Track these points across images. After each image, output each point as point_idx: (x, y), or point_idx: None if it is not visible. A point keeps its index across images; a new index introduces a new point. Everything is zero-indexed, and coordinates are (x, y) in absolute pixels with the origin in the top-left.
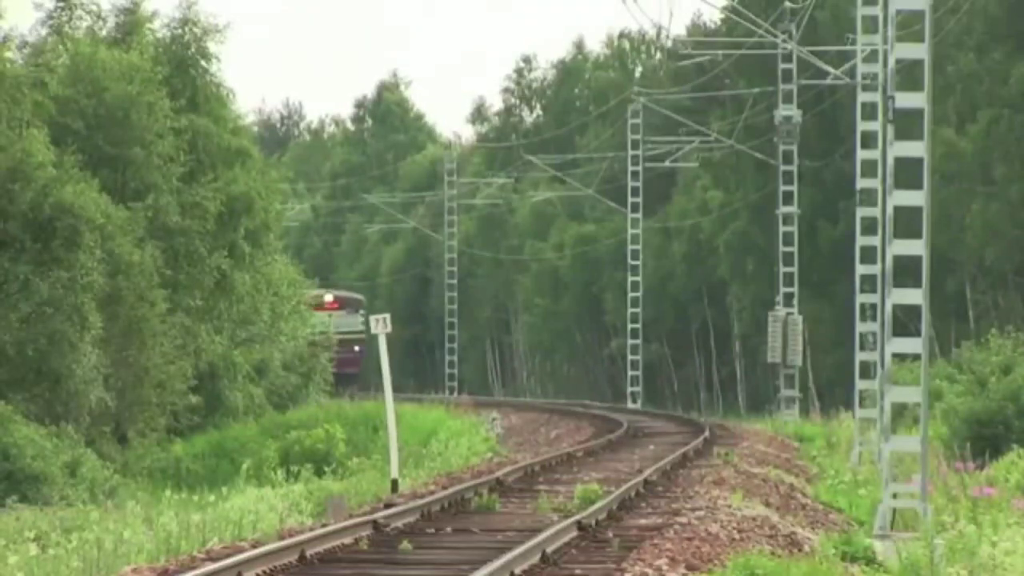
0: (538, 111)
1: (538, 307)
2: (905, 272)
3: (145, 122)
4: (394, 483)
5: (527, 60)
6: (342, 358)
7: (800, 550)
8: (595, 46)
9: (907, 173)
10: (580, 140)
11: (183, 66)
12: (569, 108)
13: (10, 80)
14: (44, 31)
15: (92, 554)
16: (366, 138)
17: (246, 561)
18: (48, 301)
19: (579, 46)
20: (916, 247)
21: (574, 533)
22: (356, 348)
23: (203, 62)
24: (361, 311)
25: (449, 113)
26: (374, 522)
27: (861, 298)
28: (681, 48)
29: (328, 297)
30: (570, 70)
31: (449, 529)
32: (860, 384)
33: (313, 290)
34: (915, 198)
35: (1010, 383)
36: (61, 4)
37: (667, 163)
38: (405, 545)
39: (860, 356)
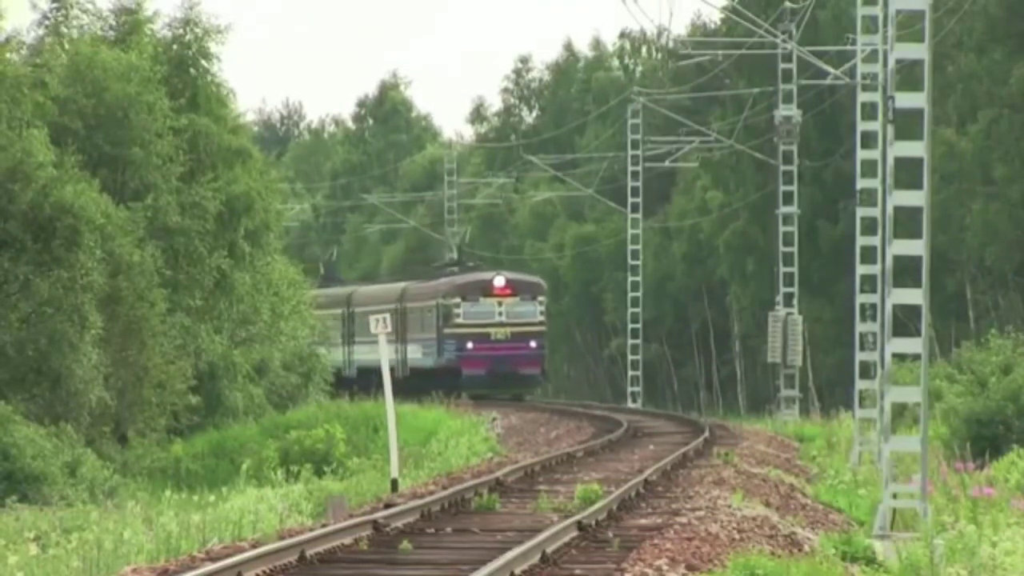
0: (537, 111)
1: None
2: (905, 272)
3: (145, 122)
4: (394, 483)
5: (523, 60)
6: (515, 355)
7: (800, 550)
8: (594, 46)
9: (907, 173)
10: (579, 140)
11: (183, 66)
12: (567, 109)
13: (10, 80)
14: (41, 31)
15: (92, 554)
16: (366, 138)
17: (246, 561)
18: (48, 301)
19: (568, 47)
20: (916, 247)
21: (574, 533)
22: (532, 343)
23: (203, 62)
24: (540, 298)
25: (449, 113)
26: (374, 522)
27: (861, 298)
28: (681, 48)
29: (499, 281)
30: (564, 71)
31: (449, 529)
32: (860, 384)
33: (480, 272)
34: (915, 198)
35: (1010, 383)
36: (56, 4)
37: (667, 163)
38: (405, 545)
39: (860, 356)
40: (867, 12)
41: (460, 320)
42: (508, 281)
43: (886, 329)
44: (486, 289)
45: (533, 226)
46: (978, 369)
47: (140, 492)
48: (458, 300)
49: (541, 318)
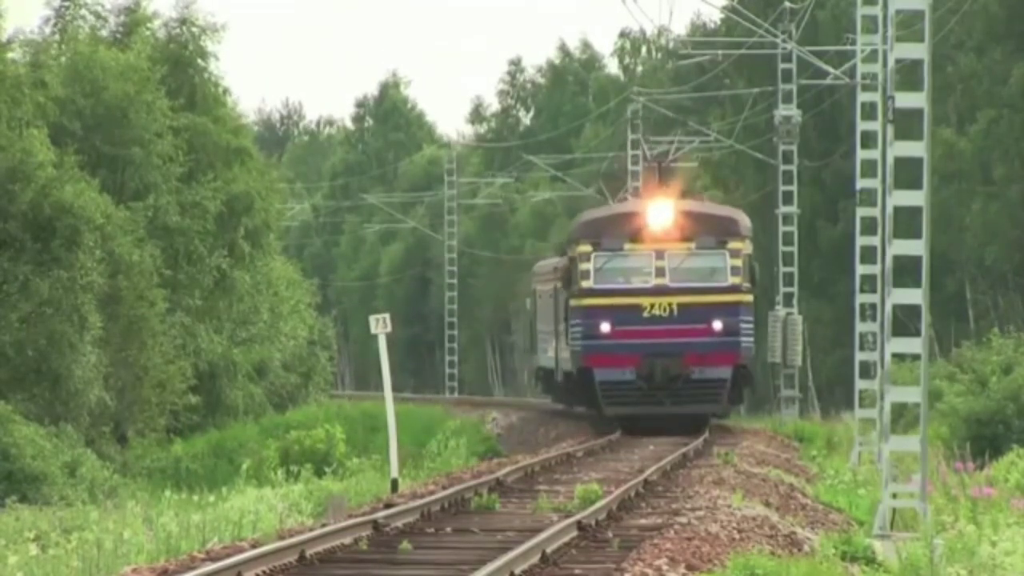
0: (533, 112)
1: None
2: (905, 272)
3: (144, 122)
4: (394, 483)
5: (515, 63)
6: (685, 345)
7: (800, 550)
8: (583, 49)
9: (907, 173)
10: (576, 141)
11: (181, 65)
12: (563, 109)
13: (10, 80)
14: (48, 31)
15: (92, 554)
16: (366, 138)
17: (246, 561)
18: (48, 301)
19: (562, 48)
20: (916, 247)
21: (574, 533)
22: (717, 324)
23: (200, 61)
24: (733, 244)
25: (449, 113)
26: (374, 522)
27: (861, 298)
28: (681, 48)
29: (657, 215)
30: (558, 71)
31: (449, 529)
32: (860, 384)
33: (631, 202)
34: (915, 198)
35: (1010, 383)
36: (67, 3)
37: (667, 163)
38: (405, 545)
39: (860, 356)
40: (867, 12)
41: (589, 284)
42: (677, 215)
43: (886, 329)
44: (635, 229)
45: (533, 226)
46: (978, 369)
47: (140, 492)
48: (588, 249)
49: (734, 280)
